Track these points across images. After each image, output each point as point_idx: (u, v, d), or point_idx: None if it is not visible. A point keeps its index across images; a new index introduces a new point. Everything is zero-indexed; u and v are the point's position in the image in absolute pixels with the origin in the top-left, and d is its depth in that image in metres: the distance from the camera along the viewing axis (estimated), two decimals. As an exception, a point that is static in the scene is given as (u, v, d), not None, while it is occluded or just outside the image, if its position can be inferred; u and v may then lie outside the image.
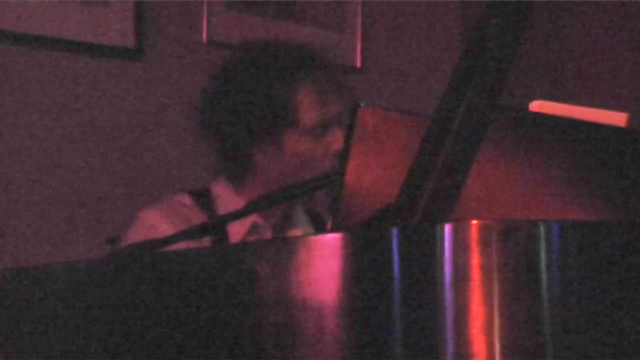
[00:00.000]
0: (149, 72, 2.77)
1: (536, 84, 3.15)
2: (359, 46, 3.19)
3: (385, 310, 0.95)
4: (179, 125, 2.80)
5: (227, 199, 2.10)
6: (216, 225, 1.83)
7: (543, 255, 0.94)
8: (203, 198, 2.11)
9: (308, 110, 2.05)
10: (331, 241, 1.01)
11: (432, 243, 0.94)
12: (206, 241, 1.94)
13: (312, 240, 1.04)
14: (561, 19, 3.21)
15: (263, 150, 2.07)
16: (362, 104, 1.20)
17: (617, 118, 1.32)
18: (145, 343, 1.10)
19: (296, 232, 2.13)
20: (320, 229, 2.15)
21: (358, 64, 3.19)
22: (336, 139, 2.06)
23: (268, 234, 2.10)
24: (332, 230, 1.16)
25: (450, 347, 0.92)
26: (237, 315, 1.04)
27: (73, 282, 1.20)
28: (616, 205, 1.23)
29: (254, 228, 2.08)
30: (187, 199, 2.11)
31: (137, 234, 1.99)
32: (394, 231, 0.96)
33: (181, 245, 1.40)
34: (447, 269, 0.93)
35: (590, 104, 1.34)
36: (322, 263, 0.99)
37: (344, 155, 1.18)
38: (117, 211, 2.67)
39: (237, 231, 2.02)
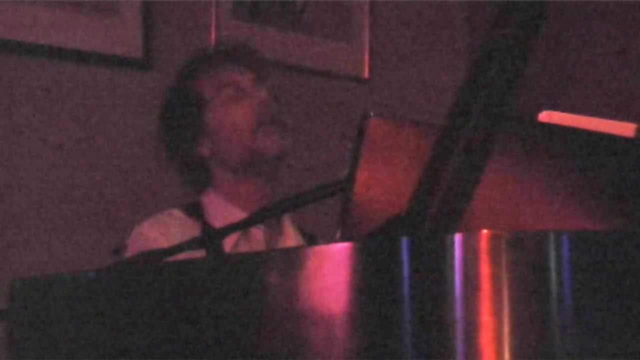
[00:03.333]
0: (156, 82, 2.77)
1: (545, 94, 3.15)
2: (366, 57, 3.19)
3: (394, 320, 0.95)
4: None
5: (216, 206, 2.16)
6: (214, 237, 1.86)
7: (553, 265, 0.94)
8: (194, 209, 2.17)
9: (208, 90, 2.17)
10: (341, 251, 1.01)
11: (442, 253, 0.94)
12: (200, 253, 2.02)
13: (321, 249, 1.04)
14: (571, 28, 3.21)
15: (201, 143, 2.17)
16: (371, 114, 1.20)
17: (626, 129, 1.32)
18: (152, 352, 1.10)
19: (288, 240, 2.16)
20: (311, 243, 2.19)
21: (365, 75, 3.19)
22: (261, 100, 2.14)
23: (260, 238, 2.12)
24: (342, 240, 1.15)
25: (460, 357, 0.92)
26: (246, 326, 1.04)
27: (81, 291, 1.20)
28: (625, 215, 1.23)
29: (246, 233, 2.10)
30: (178, 213, 2.16)
31: (133, 248, 2.04)
32: (404, 241, 0.96)
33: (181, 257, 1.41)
34: (457, 279, 0.93)
35: (599, 114, 1.34)
36: (332, 273, 0.99)
37: (352, 165, 1.18)
38: (124, 220, 2.67)
39: (227, 238, 2.06)
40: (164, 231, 2.07)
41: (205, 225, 2.11)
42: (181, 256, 1.40)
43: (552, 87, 3.22)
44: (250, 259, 1.14)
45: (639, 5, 3.09)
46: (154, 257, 1.44)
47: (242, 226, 1.63)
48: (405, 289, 0.95)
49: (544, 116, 1.29)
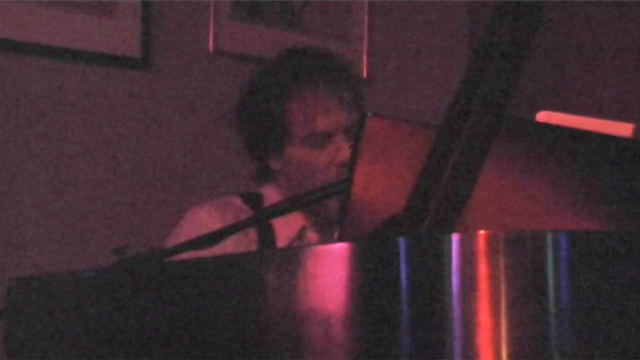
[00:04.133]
0: (155, 81, 2.78)
1: (543, 95, 3.15)
2: (364, 57, 3.19)
3: (392, 319, 0.95)
4: (185, 135, 2.81)
5: (275, 199, 2.13)
6: (226, 233, 1.85)
7: (550, 265, 0.94)
8: (254, 199, 2.16)
9: (297, 123, 2.10)
10: (339, 250, 1.01)
11: (439, 253, 0.94)
12: (253, 237, 2.05)
13: (319, 249, 1.04)
14: (568, 29, 3.21)
15: (275, 161, 2.15)
16: (369, 114, 1.20)
17: (623, 129, 1.33)
18: (152, 351, 1.10)
19: None
20: None
21: (364, 75, 3.19)
22: (339, 148, 2.10)
23: (314, 240, 2.13)
24: (340, 240, 1.16)
25: (458, 357, 0.93)
26: (244, 325, 1.04)
27: (81, 291, 1.20)
28: (623, 215, 1.23)
29: (302, 231, 2.12)
30: (237, 200, 2.15)
31: (186, 231, 2.03)
32: (402, 241, 0.96)
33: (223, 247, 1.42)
34: (455, 278, 0.93)
35: (597, 114, 1.34)
36: (330, 272, 0.99)
37: (351, 165, 1.18)
38: (124, 219, 2.67)
39: (285, 234, 2.08)
40: (220, 218, 2.04)
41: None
42: (182, 256, 1.40)
43: (550, 87, 3.22)
44: (248, 258, 1.14)
45: (637, 5, 3.09)
46: (154, 257, 1.44)
47: (250, 224, 1.62)
48: (403, 288, 0.95)
49: (542, 116, 1.29)
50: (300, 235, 2.12)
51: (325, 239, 2.14)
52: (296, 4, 3.05)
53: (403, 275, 0.95)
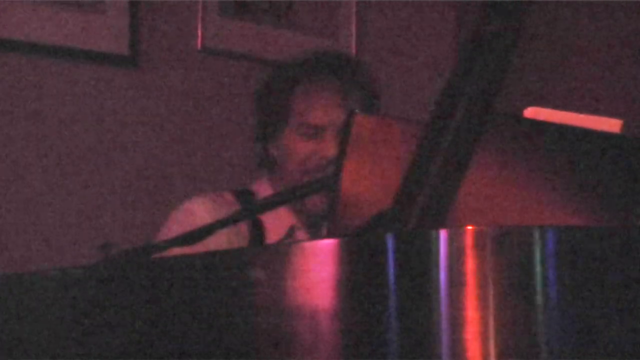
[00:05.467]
0: (143, 79, 2.77)
1: (531, 90, 3.16)
2: (353, 53, 3.19)
3: (380, 315, 0.95)
4: (174, 132, 2.81)
5: (262, 186, 2.21)
6: (214, 227, 1.86)
7: (538, 260, 0.94)
8: (245, 196, 2.19)
9: (297, 110, 2.18)
10: (326, 247, 1.01)
11: (427, 249, 0.94)
12: (244, 233, 2.09)
13: (307, 246, 1.04)
14: (556, 24, 3.22)
15: (273, 146, 2.22)
16: (356, 111, 1.20)
17: (612, 124, 1.33)
18: (141, 349, 1.10)
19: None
20: None
21: (352, 71, 3.19)
22: (326, 142, 2.15)
23: (304, 237, 2.16)
24: (328, 236, 1.16)
25: (445, 353, 0.93)
26: (232, 322, 1.04)
27: (68, 288, 1.20)
28: (610, 211, 1.24)
29: (291, 230, 2.14)
30: (229, 196, 2.19)
31: (177, 221, 2.10)
32: (389, 237, 0.96)
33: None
34: (442, 274, 0.93)
35: (585, 110, 1.34)
36: (318, 269, 0.99)
37: (339, 162, 1.18)
38: (112, 217, 2.67)
39: (275, 233, 2.12)
40: (212, 212, 2.08)
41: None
42: (174, 251, 1.40)
43: (538, 83, 3.22)
44: (236, 255, 1.14)
45: (624, 1, 3.10)
46: (141, 254, 1.44)
47: (237, 220, 1.64)
48: (391, 285, 0.95)
49: (530, 112, 1.29)
50: (289, 234, 2.14)
51: (315, 238, 2.16)
52: (284, 1, 3.05)
53: (391, 271, 0.95)
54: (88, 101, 2.68)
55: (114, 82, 2.72)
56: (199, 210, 2.10)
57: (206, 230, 1.49)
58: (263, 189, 2.20)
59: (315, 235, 2.20)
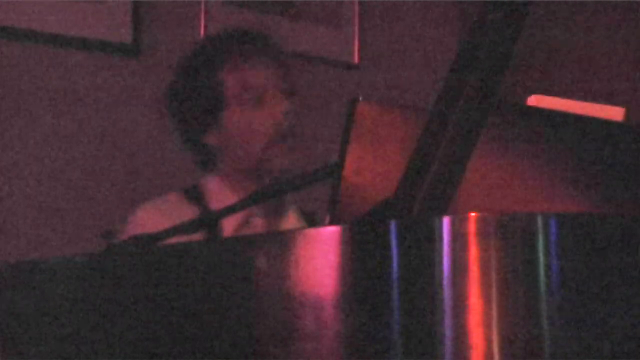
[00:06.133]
0: (146, 68, 2.77)
1: (534, 78, 3.15)
2: (356, 42, 3.19)
3: (384, 302, 0.95)
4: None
5: (217, 191, 2.13)
6: (210, 220, 1.84)
7: (541, 247, 0.94)
8: (194, 194, 2.14)
9: (230, 84, 2.11)
10: (330, 234, 1.01)
11: (430, 236, 0.94)
12: (198, 236, 1.99)
13: (310, 233, 1.04)
14: (558, 13, 3.21)
15: (210, 134, 2.14)
16: (360, 99, 1.20)
17: (614, 112, 1.33)
18: (143, 337, 1.10)
19: (289, 227, 2.15)
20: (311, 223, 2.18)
21: (355, 60, 3.19)
22: (275, 103, 2.10)
23: (260, 227, 2.11)
24: (331, 224, 1.16)
25: (448, 339, 0.93)
26: (236, 310, 1.04)
27: (71, 276, 1.20)
28: (613, 198, 1.24)
29: (247, 222, 2.09)
30: (176, 197, 2.14)
31: (129, 234, 2.00)
32: (393, 224, 0.96)
33: (175, 241, 1.40)
34: (446, 261, 0.93)
35: (588, 98, 1.34)
36: (321, 256, 0.99)
37: (342, 149, 1.18)
38: (112, 207, 2.67)
39: (229, 224, 2.05)
40: (161, 218, 2.02)
41: (204, 210, 2.10)
42: (173, 240, 1.40)
43: (541, 71, 3.22)
44: (239, 242, 1.14)
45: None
46: (144, 242, 1.44)
47: (238, 208, 1.62)
48: (394, 272, 0.95)
49: (533, 100, 1.29)
50: (247, 221, 2.10)
51: (271, 225, 2.13)
52: (287, -10, 3.05)
53: (394, 258, 0.95)
54: (90, 90, 2.68)
55: (117, 71, 2.72)
56: (146, 220, 2.04)
57: (220, 215, 1.47)
58: (212, 185, 2.14)
59: (271, 222, 2.14)
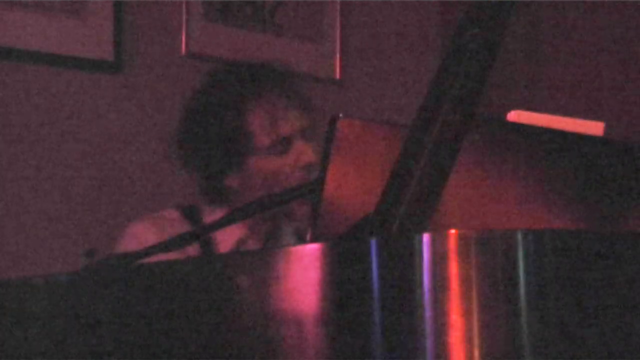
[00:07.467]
0: (127, 84, 2.77)
1: (513, 94, 3.16)
2: (337, 58, 3.19)
3: (365, 320, 0.95)
4: (158, 138, 2.80)
5: (215, 212, 2.10)
6: (198, 234, 1.84)
7: (521, 263, 0.94)
8: (191, 212, 2.13)
9: (261, 132, 2.08)
10: (310, 252, 1.01)
11: (410, 253, 0.94)
12: (193, 252, 2.01)
13: (291, 251, 1.04)
14: (537, 28, 3.23)
15: (231, 177, 2.11)
16: (340, 116, 1.20)
17: (594, 127, 1.33)
18: (127, 354, 1.10)
19: None
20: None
21: (337, 76, 3.19)
22: (301, 151, 2.10)
23: (254, 247, 2.11)
24: (312, 241, 1.16)
25: (430, 356, 0.93)
26: (218, 326, 1.04)
27: (53, 294, 1.20)
28: (593, 213, 1.24)
29: (241, 241, 2.09)
30: (175, 214, 2.13)
31: (124, 247, 2.01)
32: (373, 242, 0.96)
33: (168, 256, 1.40)
34: (426, 278, 0.94)
35: (567, 113, 1.35)
36: (302, 274, 0.99)
37: (323, 167, 1.18)
38: (96, 223, 2.66)
39: (224, 244, 2.05)
40: (157, 232, 2.02)
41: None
42: (159, 257, 1.40)
43: (521, 86, 3.23)
44: (220, 260, 1.14)
45: (609, 4, 3.11)
46: (125, 260, 1.43)
47: (224, 223, 1.61)
48: (375, 289, 0.95)
49: (513, 116, 1.29)
50: (243, 242, 2.09)
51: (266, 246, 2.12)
52: (268, 5, 3.05)
53: (374, 275, 0.95)
54: (72, 107, 2.67)
55: (98, 88, 2.72)
56: (144, 234, 2.03)
57: (191, 236, 1.48)
58: (216, 214, 2.08)
59: (267, 246, 2.13)
